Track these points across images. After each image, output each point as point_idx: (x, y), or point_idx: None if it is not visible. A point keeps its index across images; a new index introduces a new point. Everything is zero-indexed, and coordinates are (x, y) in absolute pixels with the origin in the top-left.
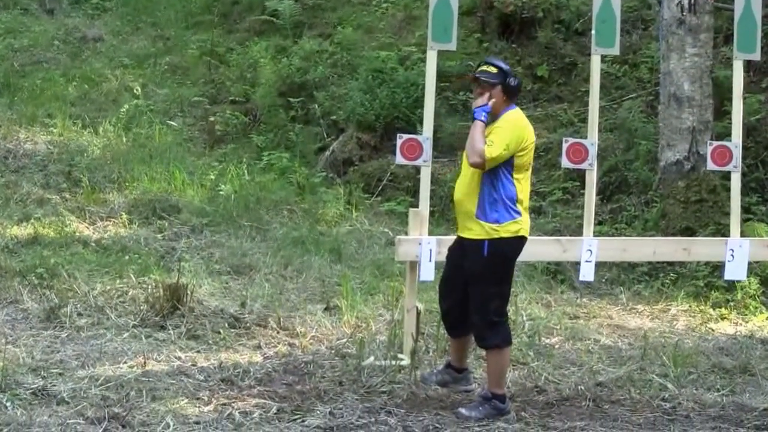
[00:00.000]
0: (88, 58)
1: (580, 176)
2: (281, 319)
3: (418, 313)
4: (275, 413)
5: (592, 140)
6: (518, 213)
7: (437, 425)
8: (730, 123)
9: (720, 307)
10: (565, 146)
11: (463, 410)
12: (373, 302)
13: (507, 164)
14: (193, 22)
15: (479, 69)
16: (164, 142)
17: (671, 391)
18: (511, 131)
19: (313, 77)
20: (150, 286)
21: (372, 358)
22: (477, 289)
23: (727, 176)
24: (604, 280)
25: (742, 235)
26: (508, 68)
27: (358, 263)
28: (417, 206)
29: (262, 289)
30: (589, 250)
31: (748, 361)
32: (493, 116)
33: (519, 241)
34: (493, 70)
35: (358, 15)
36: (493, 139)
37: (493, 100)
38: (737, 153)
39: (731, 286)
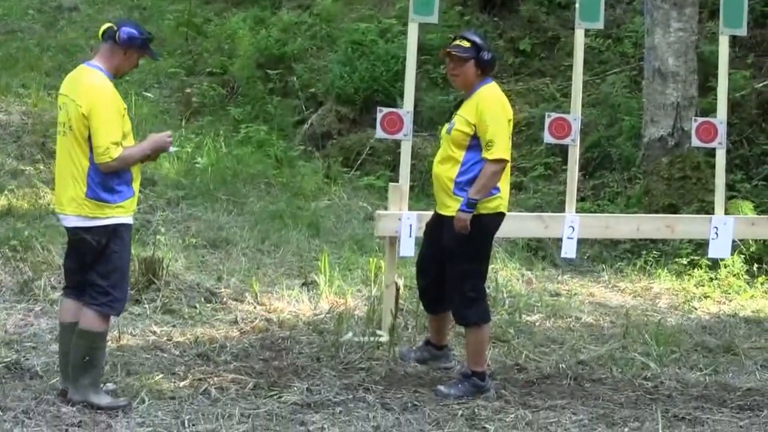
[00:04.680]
0: (64, 28)
1: (562, 152)
2: (258, 294)
3: (398, 289)
4: (252, 389)
5: (575, 115)
6: (497, 189)
7: (416, 402)
8: (715, 99)
9: (703, 286)
10: (547, 121)
11: (442, 388)
12: (351, 278)
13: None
14: None
15: (452, 43)
16: (140, 113)
17: (653, 370)
18: (499, 115)
19: (292, 49)
20: None
21: (350, 335)
22: (455, 266)
23: (711, 153)
24: (586, 257)
25: (727, 212)
26: (482, 42)
27: (336, 238)
28: (397, 181)
29: (238, 263)
30: (571, 226)
31: (731, 340)
32: (467, 90)
33: (498, 218)
34: (466, 44)
35: None
36: (490, 139)
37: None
38: (722, 129)
39: (715, 264)
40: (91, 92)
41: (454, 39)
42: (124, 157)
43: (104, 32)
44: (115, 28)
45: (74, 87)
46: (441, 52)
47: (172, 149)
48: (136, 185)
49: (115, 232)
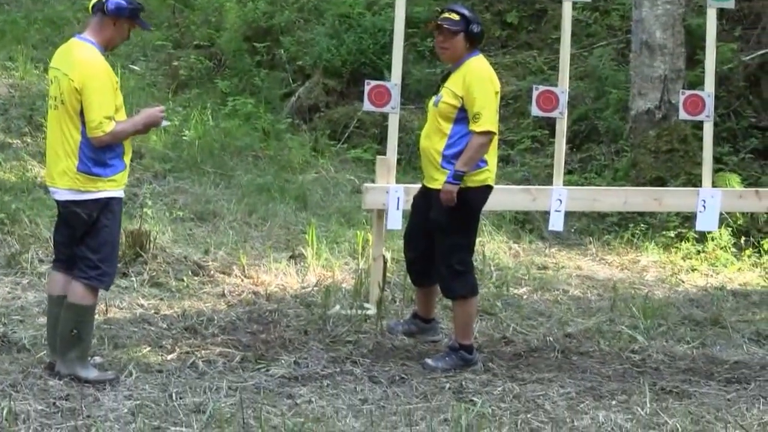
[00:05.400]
0: (51, 1)
1: (549, 125)
2: (245, 267)
3: (385, 262)
4: (239, 362)
5: (562, 88)
6: (484, 162)
7: (403, 375)
8: (703, 72)
9: (691, 259)
10: (535, 94)
11: (429, 361)
12: (339, 251)
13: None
14: None
15: (442, 16)
16: (127, 86)
17: (641, 343)
18: (487, 87)
19: (279, 22)
20: None
21: (338, 308)
22: (442, 239)
23: (698, 126)
24: (573, 230)
25: (714, 185)
26: (471, 15)
27: (323, 211)
28: (384, 154)
29: (226, 236)
30: (558, 199)
31: (718, 313)
32: (455, 62)
33: (485, 191)
34: (456, 17)
35: None
36: (477, 111)
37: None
38: (710, 102)
39: (702, 237)
40: (83, 66)
41: (443, 12)
42: (116, 131)
43: (93, 5)
44: (104, 0)
45: (66, 60)
46: (430, 24)
47: (164, 123)
48: (127, 158)
49: (107, 205)
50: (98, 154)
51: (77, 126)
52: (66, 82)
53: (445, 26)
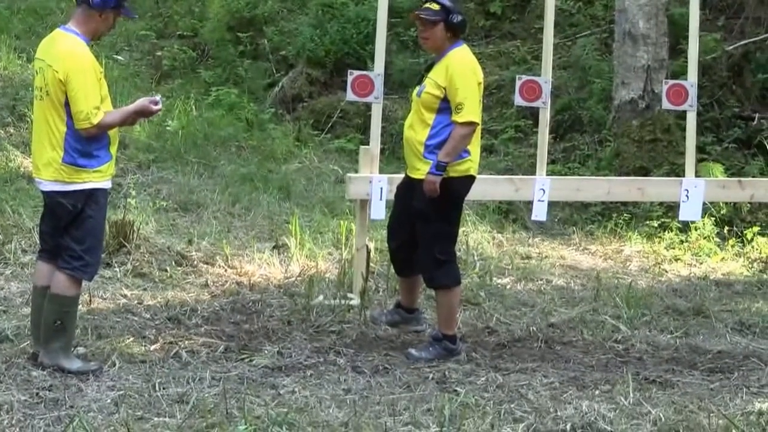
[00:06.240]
0: None
1: (532, 114)
2: (229, 257)
3: (368, 252)
4: (222, 352)
5: (545, 78)
6: (467, 152)
7: (387, 365)
8: (686, 61)
9: (674, 248)
10: (518, 84)
11: (413, 351)
12: (322, 241)
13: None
14: None
15: (422, 6)
16: (110, 76)
17: (624, 333)
18: (469, 78)
19: (263, 12)
20: None
21: (321, 298)
22: (425, 229)
23: (681, 115)
24: (556, 220)
25: (697, 175)
26: (451, 5)
27: (307, 201)
28: (368, 144)
29: (209, 226)
30: (541, 189)
31: (702, 303)
32: (438, 53)
33: (468, 180)
34: (436, 7)
35: None
36: (459, 102)
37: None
38: (693, 92)
39: (686, 226)
40: (67, 58)
41: (425, 2)
42: (105, 122)
43: None
44: None
45: (50, 51)
46: (411, 15)
47: (159, 105)
48: (113, 149)
49: (92, 196)
50: (84, 145)
51: (62, 117)
52: (50, 73)
53: (423, 16)
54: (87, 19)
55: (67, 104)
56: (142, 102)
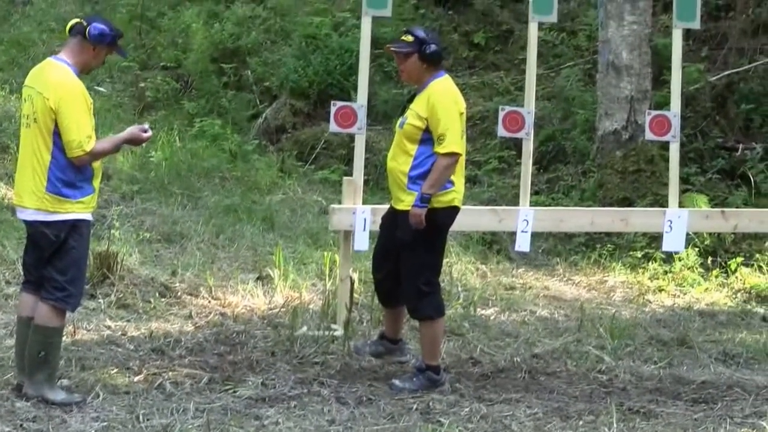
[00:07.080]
0: (17, 22)
1: (516, 145)
2: (213, 289)
3: (352, 283)
4: (206, 383)
5: (528, 109)
6: (451, 183)
7: (371, 396)
8: (669, 92)
9: (658, 279)
10: (501, 115)
11: (397, 381)
12: (306, 272)
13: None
14: None
15: (397, 39)
16: (93, 108)
17: (608, 364)
18: (451, 108)
19: (246, 43)
20: None
21: (305, 329)
22: (409, 260)
23: (665, 146)
24: (540, 251)
25: (681, 205)
26: (426, 36)
27: (291, 232)
28: (351, 175)
29: (193, 257)
30: (525, 220)
31: (685, 333)
32: (418, 84)
33: (452, 211)
34: (409, 39)
35: None
36: (441, 133)
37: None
38: (676, 123)
39: (669, 257)
40: (59, 87)
41: (401, 34)
42: (96, 150)
43: (72, 27)
44: (85, 24)
45: (41, 80)
46: (385, 48)
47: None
48: (96, 182)
49: (74, 227)
50: (68, 175)
51: (48, 146)
52: (40, 100)
53: (394, 49)
54: (80, 50)
55: (55, 133)
56: (131, 130)
